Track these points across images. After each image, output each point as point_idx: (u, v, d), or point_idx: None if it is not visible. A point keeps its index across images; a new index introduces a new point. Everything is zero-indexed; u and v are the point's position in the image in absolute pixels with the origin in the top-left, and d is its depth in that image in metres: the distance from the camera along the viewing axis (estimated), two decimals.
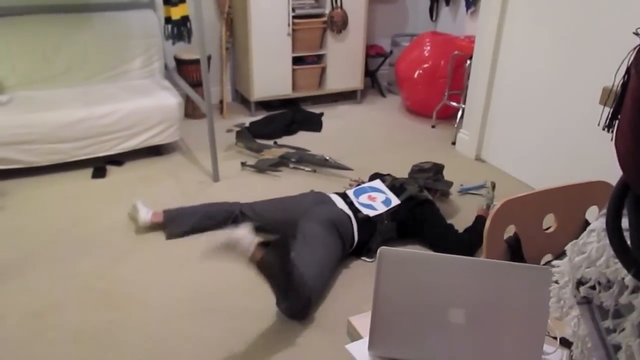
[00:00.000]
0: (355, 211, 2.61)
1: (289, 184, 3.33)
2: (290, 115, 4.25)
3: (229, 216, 2.75)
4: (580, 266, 0.64)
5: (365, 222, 2.60)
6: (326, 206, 2.57)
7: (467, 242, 2.64)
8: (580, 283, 0.64)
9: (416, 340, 1.10)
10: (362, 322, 1.23)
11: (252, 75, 4.24)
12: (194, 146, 3.79)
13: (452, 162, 3.62)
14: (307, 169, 3.51)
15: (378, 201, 2.71)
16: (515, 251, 1.38)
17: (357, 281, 2.48)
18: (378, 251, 1.10)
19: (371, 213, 2.63)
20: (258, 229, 2.74)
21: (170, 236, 2.71)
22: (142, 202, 2.81)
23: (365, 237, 2.60)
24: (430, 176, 2.97)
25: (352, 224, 2.55)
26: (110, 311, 2.25)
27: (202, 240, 2.72)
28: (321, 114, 4.43)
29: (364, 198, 2.72)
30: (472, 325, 1.07)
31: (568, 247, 0.68)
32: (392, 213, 2.68)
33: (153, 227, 2.77)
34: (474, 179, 3.45)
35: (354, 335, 1.24)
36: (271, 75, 4.32)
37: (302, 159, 3.49)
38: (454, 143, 4.00)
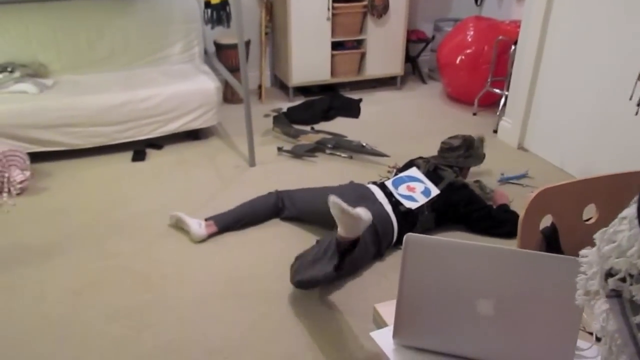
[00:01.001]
0: (396, 204, 2.57)
1: (325, 170, 3.31)
2: (328, 101, 4.22)
3: (272, 211, 2.77)
4: (610, 256, 0.59)
5: (407, 215, 2.55)
6: (367, 204, 2.51)
7: (512, 219, 2.66)
8: (609, 275, 0.59)
9: (442, 330, 1.07)
10: (388, 310, 1.20)
11: (291, 60, 4.22)
12: (231, 131, 3.81)
13: (493, 150, 3.52)
14: (343, 155, 3.47)
15: (418, 192, 2.65)
16: (551, 242, 1.32)
17: (390, 271, 2.45)
18: (404, 237, 1.07)
19: (413, 205, 2.58)
20: (293, 219, 2.75)
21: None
22: (184, 214, 2.72)
23: (406, 231, 2.56)
24: (460, 154, 2.89)
25: (392, 224, 2.50)
26: (145, 292, 2.30)
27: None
28: (360, 100, 4.38)
29: (403, 189, 2.67)
30: (501, 318, 1.02)
31: (597, 236, 0.63)
32: (432, 203, 2.62)
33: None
34: (516, 168, 3.34)
35: (380, 323, 1.22)
36: (310, 60, 4.29)
37: (339, 145, 3.46)
38: (495, 131, 3.89)
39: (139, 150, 3.49)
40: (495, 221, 2.67)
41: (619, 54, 2.88)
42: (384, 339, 1.14)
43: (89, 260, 2.48)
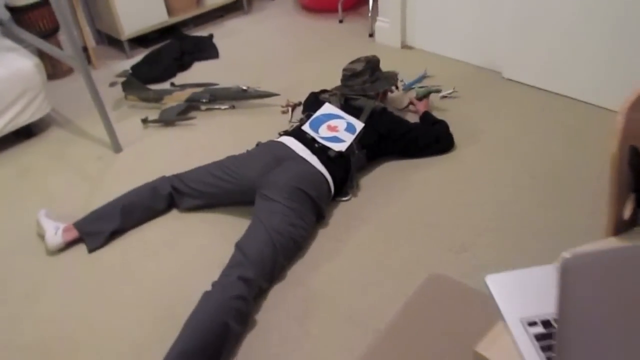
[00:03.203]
0: (322, 150, 2.12)
1: (210, 131, 2.73)
2: (177, 45, 3.52)
3: (159, 199, 2.16)
4: None
5: (338, 160, 2.13)
6: (288, 165, 2.03)
7: (443, 131, 2.41)
8: None
9: None
10: (500, 351, 0.80)
11: (114, 7, 3.39)
12: (72, 114, 3.00)
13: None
14: (223, 106, 2.90)
15: (341, 130, 2.23)
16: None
17: (339, 231, 2.05)
18: (561, 264, 0.65)
19: (342, 147, 2.16)
20: (202, 207, 2.19)
21: (93, 249, 2.07)
22: (46, 213, 2.12)
23: (339, 179, 2.14)
24: (367, 79, 2.49)
25: (324, 177, 2.06)
26: None
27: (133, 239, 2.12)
28: (211, 37, 3.72)
29: (324, 130, 2.22)
30: None
31: None
32: (360, 139, 2.22)
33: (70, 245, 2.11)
34: (409, 70, 3.04)
35: None
36: (138, 2, 3.49)
37: (215, 96, 2.87)
38: (371, 35, 3.53)
39: None
40: (429, 139, 2.37)
41: None
42: None
43: None
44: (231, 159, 2.15)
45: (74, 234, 2.05)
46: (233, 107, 2.90)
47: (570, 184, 2.19)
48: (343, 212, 2.15)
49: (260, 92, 2.83)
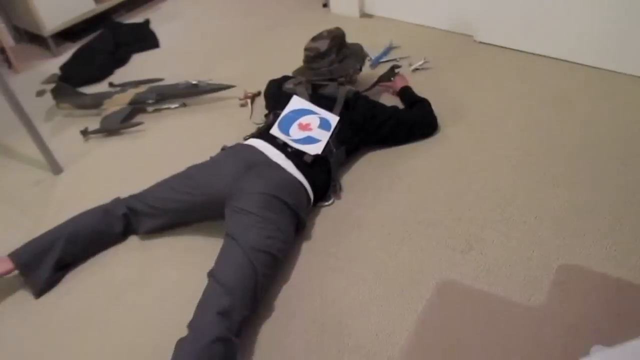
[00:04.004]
0: (296, 154, 1.85)
1: (163, 137, 2.40)
2: (109, 37, 3.12)
3: (112, 221, 1.85)
4: None
5: (315, 164, 1.87)
6: (261, 171, 1.75)
7: (427, 112, 2.19)
8: None
9: None
10: None
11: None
12: None
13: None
14: (173, 105, 2.56)
15: (314, 127, 1.95)
16: None
17: (327, 242, 1.81)
18: None
19: (317, 149, 1.90)
20: (165, 227, 1.89)
21: (39, 291, 1.76)
22: None
23: (320, 183, 1.89)
24: (334, 59, 2.21)
25: (302, 185, 1.80)
26: None
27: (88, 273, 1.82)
28: (147, 23, 3.33)
29: (295, 130, 1.94)
30: None
31: None
32: (337, 135, 1.96)
33: (5, 282, 1.79)
34: (374, 42, 2.77)
35: None
36: None
37: (162, 95, 2.53)
38: (325, 5, 3.22)
39: None
40: (411, 124, 2.13)
41: None
42: None
43: None
44: (194, 168, 1.85)
45: (7, 265, 1.71)
46: (184, 105, 2.57)
47: (570, 156, 2.00)
48: (327, 219, 1.90)
49: (213, 85, 2.51)
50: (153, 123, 2.49)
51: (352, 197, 1.97)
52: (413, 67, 2.56)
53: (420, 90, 2.33)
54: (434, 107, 2.20)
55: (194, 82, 2.51)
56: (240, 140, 2.00)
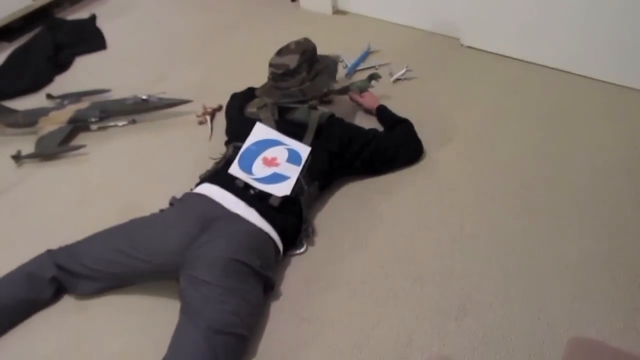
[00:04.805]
0: (260, 198, 1.56)
1: (108, 161, 2.09)
2: (49, 37, 2.74)
3: (39, 287, 1.54)
4: None
5: (284, 207, 1.58)
6: (218, 229, 1.46)
7: (409, 135, 1.91)
8: None
9: None
10: None
11: None
12: None
13: (303, 27, 2.52)
14: (120, 123, 2.24)
15: (282, 161, 1.66)
16: None
17: (296, 304, 1.54)
18: None
19: (286, 189, 1.61)
20: (105, 290, 1.59)
21: None
22: None
23: (292, 228, 1.61)
24: (305, 77, 1.86)
25: (268, 236, 1.51)
26: None
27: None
28: (93, 18, 2.95)
29: (259, 167, 1.64)
30: None
31: None
32: (308, 169, 1.67)
33: None
34: (350, 45, 2.47)
35: None
36: None
37: (107, 112, 2.20)
38: (294, 0, 2.89)
39: None
40: (392, 150, 1.86)
41: None
42: None
43: None
44: (139, 226, 1.54)
45: None
46: (134, 121, 2.24)
47: (578, 191, 1.76)
48: (300, 271, 1.63)
49: (166, 100, 2.18)
50: (97, 145, 2.16)
51: (327, 242, 1.69)
52: (394, 77, 2.27)
53: (402, 105, 2.05)
54: (417, 127, 1.92)
55: (144, 97, 2.18)
56: (197, 175, 1.71)
